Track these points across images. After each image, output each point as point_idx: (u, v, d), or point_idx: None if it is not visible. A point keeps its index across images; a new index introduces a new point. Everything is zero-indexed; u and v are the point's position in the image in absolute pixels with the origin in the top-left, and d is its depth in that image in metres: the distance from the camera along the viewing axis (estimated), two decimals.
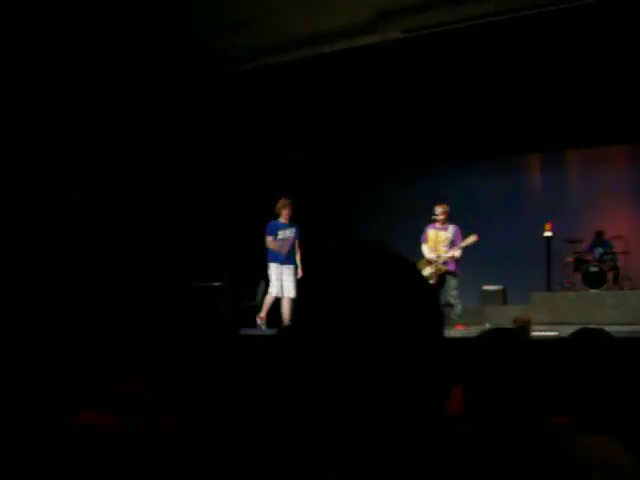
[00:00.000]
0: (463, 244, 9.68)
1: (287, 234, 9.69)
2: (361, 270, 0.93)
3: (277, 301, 9.55)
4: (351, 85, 10.98)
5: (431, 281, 9.74)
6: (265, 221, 9.77)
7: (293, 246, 9.69)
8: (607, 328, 7.62)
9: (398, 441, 0.89)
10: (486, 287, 12.13)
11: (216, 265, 11.12)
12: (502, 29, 9.27)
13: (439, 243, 9.77)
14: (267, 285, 9.90)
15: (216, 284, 10.28)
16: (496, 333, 2.02)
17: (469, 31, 9.35)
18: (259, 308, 9.83)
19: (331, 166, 13.24)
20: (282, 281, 9.52)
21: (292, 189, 10.41)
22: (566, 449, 1.75)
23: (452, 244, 9.72)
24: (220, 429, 1.24)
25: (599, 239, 11.87)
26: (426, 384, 0.92)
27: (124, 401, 1.89)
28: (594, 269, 11.25)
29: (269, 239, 9.62)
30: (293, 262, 9.61)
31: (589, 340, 1.91)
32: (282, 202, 9.72)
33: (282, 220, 9.70)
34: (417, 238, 10.15)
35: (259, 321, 9.65)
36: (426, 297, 0.96)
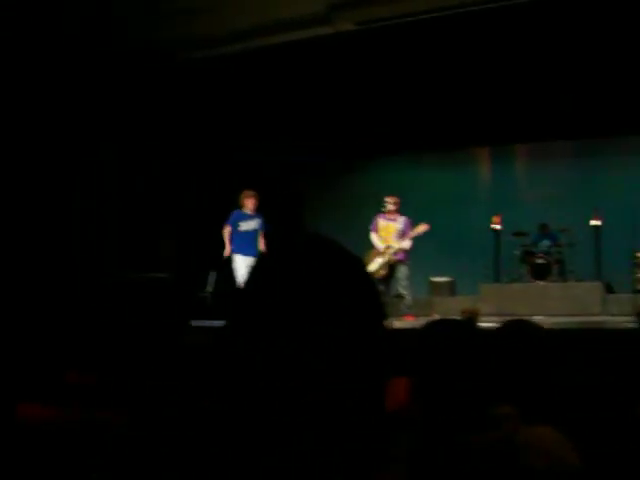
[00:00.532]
0: (414, 233, 9.74)
1: (251, 225, 9.65)
2: (302, 263, 0.93)
3: None
4: (305, 76, 10.97)
5: (382, 271, 9.81)
6: (218, 212, 9.73)
7: (257, 237, 9.64)
8: (552, 319, 7.80)
9: (337, 432, 0.90)
10: (435, 278, 12.25)
11: (164, 256, 11.02)
12: (453, 22, 9.37)
13: (389, 234, 9.83)
14: (218, 276, 9.85)
15: (163, 275, 10.19)
16: (442, 324, 2.05)
17: (421, 24, 9.42)
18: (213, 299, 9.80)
19: (285, 158, 13.20)
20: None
21: (253, 181, 10.36)
22: (508, 437, 1.79)
23: (402, 235, 9.78)
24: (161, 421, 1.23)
25: (544, 232, 12.08)
26: (367, 375, 0.93)
27: (70, 393, 1.87)
28: (540, 261, 11.44)
29: (226, 229, 9.59)
30: (257, 254, 9.57)
31: (516, 331, 1.95)
32: (245, 193, 9.69)
33: (246, 211, 9.66)
34: (366, 228, 10.21)
35: None
36: (367, 290, 0.97)
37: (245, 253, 9.50)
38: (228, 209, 9.89)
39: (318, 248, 0.97)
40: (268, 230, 9.66)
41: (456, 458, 1.80)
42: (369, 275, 0.99)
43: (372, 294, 0.97)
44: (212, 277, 10.40)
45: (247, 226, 9.63)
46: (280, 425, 0.89)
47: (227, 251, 9.59)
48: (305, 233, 0.99)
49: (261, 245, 9.64)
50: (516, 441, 1.80)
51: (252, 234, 9.61)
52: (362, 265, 0.99)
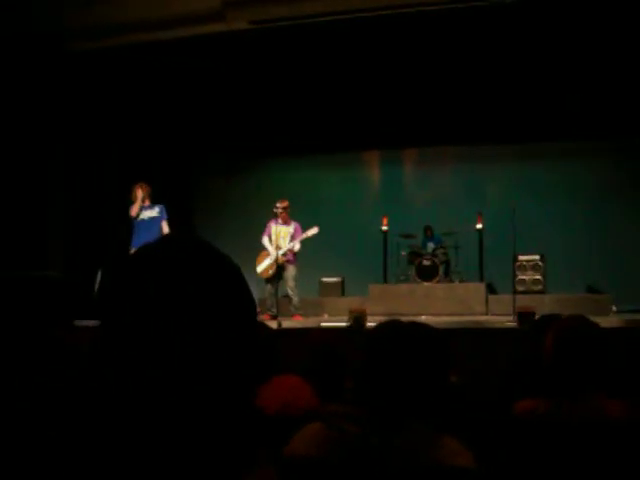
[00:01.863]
0: (304, 236, 9.84)
1: (151, 215, 9.42)
2: (171, 263, 0.92)
3: None
4: (197, 73, 10.86)
5: (270, 272, 9.85)
6: (110, 208, 9.48)
7: (160, 228, 9.42)
8: (437, 318, 8.00)
9: (206, 432, 0.89)
10: (325, 279, 12.35)
11: (50, 253, 10.63)
12: (347, 26, 9.49)
13: (280, 238, 9.88)
14: (104, 274, 9.58)
15: (50, 273, 9.82)
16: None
17: (316, 26, 9.49)
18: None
19: (173, 158, 12.98)
20: None
21: (140, 175, 10.12)
22: (411, 445, 1.81)
23: (293, 239, 9.86)
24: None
25: (429, 234, 12.41)
26: (236, 376, 0.92)
27: None
28: (427, 263, 11.73)
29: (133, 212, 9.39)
30: None
31: (388, 331, 1.98)
32: (134, 187, 9.47)
33: (142, 203, 9.43)
34: (257, 231, 10.23)
35: None
36: (238, 289, 0.96)
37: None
38: (121, 205, 9.66)
39: (187, 248, 0.95)
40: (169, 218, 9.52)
41: (357, 457, 1.81)
42: (240, 274, 0.98)
43: (242, 294, 0.97)
44: (99, 276, 10.10)
45: (145, 216, 9.42)
46: (148, 427, 0.87)
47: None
48: (175, 233, 0.97)
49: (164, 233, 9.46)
50: (419, 444, 1.82)
51: (150, 223, 9.38)
52: (233, 265, 0.98)
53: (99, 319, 0.92)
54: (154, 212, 9.46)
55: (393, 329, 1.99)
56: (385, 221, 12.45)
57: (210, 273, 0.93)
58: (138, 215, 9.40)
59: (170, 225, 9.46)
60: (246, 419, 0.94)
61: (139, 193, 9.39)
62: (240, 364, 0.93)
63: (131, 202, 9.45)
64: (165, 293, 0.89)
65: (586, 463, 2.07)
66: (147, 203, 9.46)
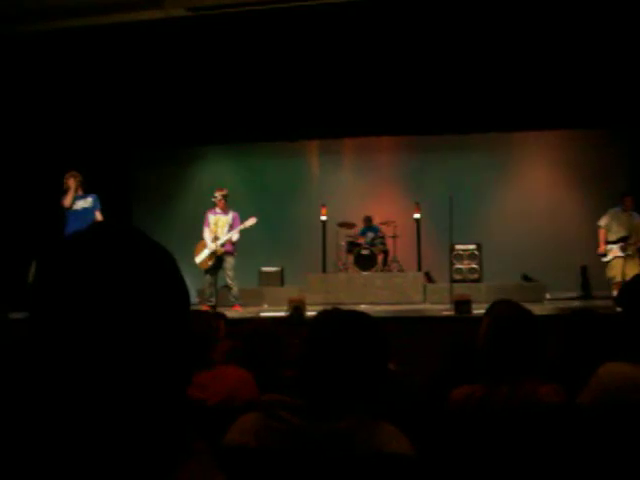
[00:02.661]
0: (242, 226, 9.81)
1: (84, 205, 9.22)
2: (102, 252, 0.90)
3: None
4: (135, 59, 10.67)
5: (209, 262, 9.79)
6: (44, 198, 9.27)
7: (94, 218, 9.22)
8: (376, 307, 8.07)
9: (139, 421, 0.88)
10: (264, 268, 12.33)
11: None
12: (281, 14, 9.47)
13: (219, 227, 9.83)
14: (39, 266, 9.35)
15: None
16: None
17: (253, 14, 9.43)
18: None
19: (109, 146, 12.73)
20: None
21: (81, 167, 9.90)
22: (349, 432, 1.82)
23: (231, 228, 9.82)
24: None
25: (368, 224, 12.49)
26: (170, 365, 0.91)
27: None
28: (365, 252, 11.81)
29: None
30: None
31: (328, 319, 1.99)
32: (66, 176, 9.25)
33: (75, 193, 9.21)
34: (196, 221, 10.15)
35: None
36: (171, 278, 0.95)
37: None
38: (55, 194, 9.43)
39: (118, 236, 0.93)
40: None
41: (294, 446, 1.81)
42: (173, 263, 0.96)
43: (175, 283, 0.95)
44: (33, 267, 9.86)
45: (77, 206, 9.22)
46: (78, 418, 0.85)
47: None
48: (106, 221, 0.94)
49: None
50: (356, 434, 1.83)
51: (83, 213, 9.18)
52: (166, 253, 0.96)
53: (29, 311, 0.90)
54: (87, 202, 9.27)
55: (332, 317, 1.99)
56: (324, 211, 12.47)
57: (142, 262, 0.91)
58: (71, 205, 9.20)
59: (105, 215, 9.29)
60: (179, 409, 0.93)
61: (72, 183, 9.18)
62: (172, 354, 0.91)
63: (64, 192, 9.24)
64: (96, 282, 0.87)
65: (520, 447, 2.11)
66: (80, 193, 9.26)
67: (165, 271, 0.94)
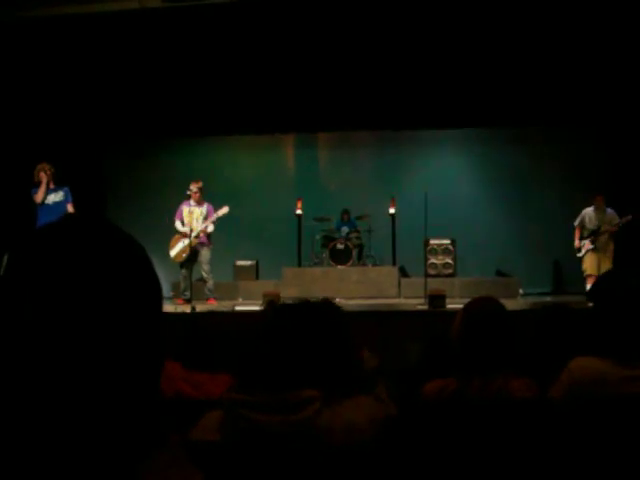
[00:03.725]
0: (215, 216, 9.78)
1: (55, 199, 9.11)
2: (72, 244, 0.89)
3: None
4: (110, 50, 10.56)
5: (184, 255, 9.74)
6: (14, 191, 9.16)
7: (66, 210, 9.12)
8: (351, 301, 8.07)
9: (108, 416, 0.87)
10: (239, 262, 12.30)
11: None
12: (257, 6, 9.43)
13: (193, 220, 9.79)
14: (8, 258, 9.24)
15: None
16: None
17: (228, 6, 9.39)
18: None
19: (81, 139, 12.59)
20: None
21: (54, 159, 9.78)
22: (311, 419, 1.83)
23: (206, 220, 9.78)
24: None
25: (345, 218, 12.50)
26: (137, 359, 0.90)
27: None
28: (340, 246, 11.83)
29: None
30: None
31: (283, 315, 2.00)
32: (37, 168, 9.13)
33: (47, 187, 9.09)
34: (171, 214, 10.09)
35: None
36: (142, 271, 0.94)
37: None
38: (25, 186, 9.32)
39: (89, 228, 0.92)
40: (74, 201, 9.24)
41: (257, 440, 1.81)
42: (144, 256, 0.95)
43: (147, 276, 0.94)
44: (4, 260, 9.73)
45: (49, 200, 9.10)
46: (44, 411, 0.85)
47: None
48: (77, 214, 0.91)
49: None
50: (319, 423, 1.84)
51: (55, 207, 9.07)
52: (137, 246, 0.95)
53: None
54: (59, 196, 9.17)
55: (282, 312, 2.01)
56: (299, 204, 12.46)
57: (113, 253, 0.90)
58: (43, 200, 9.08)
59: (78, 208, 9.19)
60: (149, 403, 0.92)
61: (43, 176, 9.05)
62: (143, 346, 0.91)
63: (35, 185, 9.11)
64: (66, 274, 0.86)
65: (492, 440, 2.13)
66: (52, 186, 9.15)
67: (136, 263, 0.93)
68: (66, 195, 9.21)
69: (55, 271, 0.86)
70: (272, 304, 8.04)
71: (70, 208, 9.16)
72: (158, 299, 0.96)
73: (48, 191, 9.11)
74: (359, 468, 1.78)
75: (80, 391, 0.85)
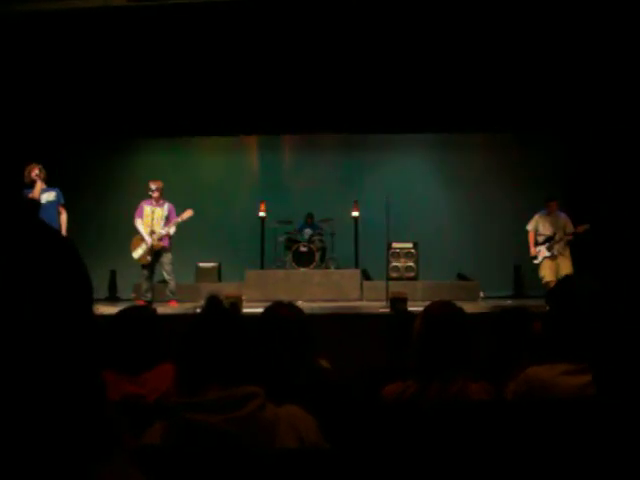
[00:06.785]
0: (179, 219, 9.71)
1: (48, 199, 9.00)
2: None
3: None
4: (73, 49, 10.44)
5: (148, 257, 9.66)
6: None
7: (57, 211, 9.01)
8: (313, 304, 8.07)
9: (51, 421, 0.85)
10: (201, 264, 12.24)
11: None
12: (223, 5, 9.41)
13: (155, 220, 9.71)
14: None
15: None
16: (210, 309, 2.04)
17: (192, 6, 9.35)
18: None
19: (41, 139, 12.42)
20: None
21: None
22: (252, 416, 1.84)
23: (167, 221, 9.70)
24: None
25: (309, 221, 12.53)
26: (74, 363, 0.89)
27: None
28: (303, 249, 11.85)
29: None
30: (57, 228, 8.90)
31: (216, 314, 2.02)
32: (27, 167, 9.03)
33: (39, 186, 8.98)
34: (130, 214, 9.99)
35: None
36: (70, 268, 0.92)
37: None
38: None
39: (12, 224, 0.90)
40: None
41: (202, 441, 1.81)
42: (73, 251, 0.93)
43: (75, 272, 0.92)
44: None
45: (42, 199, 9.00)
46: None
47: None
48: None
49: (62, 218, 9.08)
50: (261, 419, 1.85)
51: (47, 207, 8.96)
52: (65, 242, 0.93)
53: None
54: (51, 196, 9.09)
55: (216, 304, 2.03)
56: (263, 207, 12.45)
57: (39, 249, 0.88)
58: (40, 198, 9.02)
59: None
60: (89, 407, 0.90)
61: (36, 175, 8.98)
62: (75, 344, 0.89)
63: (27, 185, 9.01)
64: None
65: (450, 442, 2.15)
66: (43, 186, 9.09)
67: (63, 258, 0.91)
68: (58, 196, 9.15)
69: None
70: (234, 306, 8.01)
71: (61, 209, 9.11)
72: (87, 294, 0.93)
73: (41, 190, 9.05)
74: (307, 465, 1.80)
75: (11, 390, 0.83)
